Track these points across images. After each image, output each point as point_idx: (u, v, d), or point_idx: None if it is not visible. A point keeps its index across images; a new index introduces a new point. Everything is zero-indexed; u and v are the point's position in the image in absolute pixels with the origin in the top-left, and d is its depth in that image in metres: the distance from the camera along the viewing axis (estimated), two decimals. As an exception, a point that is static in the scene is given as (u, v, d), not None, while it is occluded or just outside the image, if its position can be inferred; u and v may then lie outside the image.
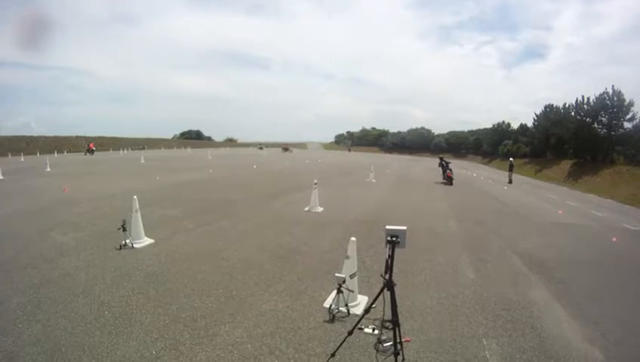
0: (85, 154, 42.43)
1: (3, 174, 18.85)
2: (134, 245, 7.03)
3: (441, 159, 25.51)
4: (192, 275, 5.82)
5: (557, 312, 5.24)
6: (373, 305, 3.61)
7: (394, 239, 3.36)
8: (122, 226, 6.88)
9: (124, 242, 6.97)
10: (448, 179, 23.11)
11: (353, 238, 4.84)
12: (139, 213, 7.29)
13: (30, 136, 52.64)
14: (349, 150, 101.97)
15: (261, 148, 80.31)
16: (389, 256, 3.41)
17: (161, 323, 4.31)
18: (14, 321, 4.24)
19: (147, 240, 7.39)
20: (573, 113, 47.23)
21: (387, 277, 3.44)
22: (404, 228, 3.41)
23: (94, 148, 45.14)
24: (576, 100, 45.95)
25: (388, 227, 3.41)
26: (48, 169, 23.02)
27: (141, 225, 7.38)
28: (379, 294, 3.52)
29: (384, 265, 3.47)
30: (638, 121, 39.17)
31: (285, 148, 75.90)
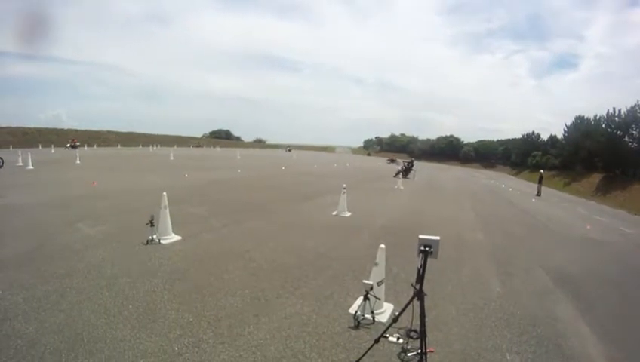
0: (66, 148, 41.82)
1: (33, 164, 19.39)
2: (161, 241, 7.06)
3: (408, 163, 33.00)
4: (218, 274, 5.81)
5: (582, 330, 5.08)
6: (397, 314, 3.56)
7: (427, 249, 3.30)
8: (150, 222, 6.93)
9: (151, 237, 7.01)
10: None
11: (382, 245, 4.76)
12: (167, 210, 7.33)
13: (61, 129, 54.10)
14: (369, 154, 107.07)
15: (289, 151, 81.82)
16: (420, 266, 3.35)
17: (185, 320, 4.30)
18: (38, 309, 4.29)
19: (174, 237, 7.40)
20: (603, 125, 46.19)
21: (418, 287, 3.37)
22: (438, 238, 3.35)
23: (78, 144, 44.60)
24: (607, 112, 45.05)
25: (421, 236, 3.35)
26: (78, 161, 23.57)
27: (169, 221, 7.41)
28: (408, 303, 3.46)
29: (412, 273, 3.41)
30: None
31: (289, 149, 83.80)
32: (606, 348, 4.64)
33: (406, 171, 31.52)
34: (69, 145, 43.09)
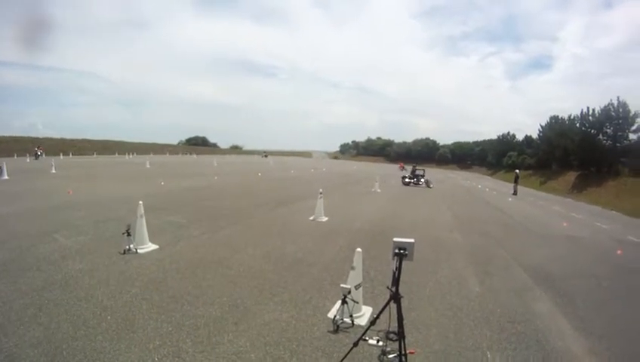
0: (36, 158, 37.35)
1: (9, 174, 18.95)
2: (138, 250, 7.01)
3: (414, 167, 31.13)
4: (196, 282, 5.79)
5: (561, 325, 5.20)
6: (375, 317, 3.60)
7: (402, 252, 3.35)
8: (127, 231, 6.86)
9: (128, 247, 6.93)
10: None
11: (359, 249, 4.82)
12: (144, 218, 7.28)
13: (36, 138, 52.99)
14: (335, 158, 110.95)
15: (265, 156, 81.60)
16: (396, 269, 3.39)
17: (164, 329, 4.28)
18: (16, 323, 4.22)
19: (151, 246, 7.36)
20: (578, 124, 47.28)
21: (394, 289, 3.41)
22: (412, 240, 3.40)
23: (40, 153, 39.76)
24: (582, 111, 46.14)
25: (396, 239, 3.39)
26: (54, 171, 23.13)
27: (145, 230, 7.37)
28: (385, 306, 3.50)
29: (389, 276, 3.45)
30: (643, 132, 39.23)
31: (265, 155, 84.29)
32: (586, 341, 4.76)
33: (417, 177, 29.25)
34: (34, 154, 38.90)
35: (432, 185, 28.16)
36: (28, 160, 33.58)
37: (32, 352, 3.68)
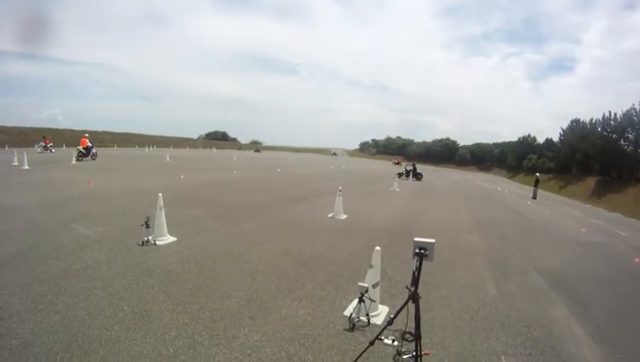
0: (41, 151, 32.99)
1: (29, 164, 19.30)
2: (157, 242, 7.04)
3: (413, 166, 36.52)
4: (213, 276, 5.79)
5: (576, 332, 5.11)
6: (392, 317, 3.56)
7: (422, 251, 3.30)
8: (145, 223, 6.89)
9: (146, 238, 6.98)
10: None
11: (377, 247, 4.77)
12: (163, 211, 7.31)
13: (56, 129, 53.89)
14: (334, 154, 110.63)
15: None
16: (415, 268, 3.35)
17: (180, 321, 4.29)
18: (33, 309, 4.27)
19: (170, 238, 7.38)
20: (599, 129, 46.38)
21: (413, 289, 3.38)
22: (433, 240, 3.35)
23: (51, 145, 35.40)
24: (603, 115, 45.20)
25: (416, 239, 3.35)
26: (74, 162, 23.48)
27: (164, 222, 7.38)
28: (403, 306, 3.45)
29: (407, 275, 3.42)
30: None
31: (257, 150, 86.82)
32: (601, 349, 4.66)
33: (412, 173, 34.07)
34: (40, 146, 34.75)
35: (421, 178, 34.28)
36: (38, 149, 33.17)
37: (47, 339, 3.71)
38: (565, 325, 5.29)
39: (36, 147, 35.06)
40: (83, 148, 26.14)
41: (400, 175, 32.45)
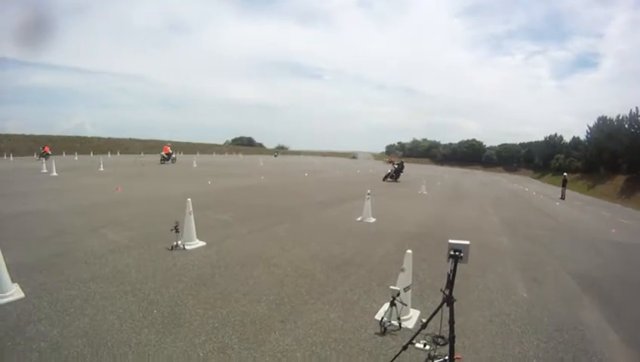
0: (39, 158, 32.02)
1: (57, 171, 19.80)
2: (186, 246, 7.07)
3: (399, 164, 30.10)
4: (243, 280, 5.77)
5: (609, 336, 4.90)
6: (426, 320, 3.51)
7: (457, 254, 3.23)
8: (175, 227, 6.95)
9: (175, 243, 7.02)
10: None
11: (409, 251, 4.68)
12: (192, 215, 7.33)
13: (84, 137, 55.18)
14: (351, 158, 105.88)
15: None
16: (450, 271, 3.28)
17: (210, 325, 4.27)
18: (62, 313, 4.31)
19: (199, 243, 7.40)
20: (627, 125, 45.06)
21: (447, 292, 3.31)
22: (467, 242, 3.27)
23: (49, 153, 34.59)
24: (630, 112, 43.90)
25: (451, 241, 3.28)
26: (102, 168, 23.98)
27: (194, 227, 7.41)
28: (438, 309, 3.39)
29: (437, 278, 3.36)
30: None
31: (275, 154, 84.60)
32: (635, 354, 4.49)
33: (397, 173, 28.97)
34: (39, 154, 34.20)
35: (399, 180, 28.41)
36: (76, 158, 34.08)
37: (76, 342, 3.73)
38: (597, 329, 5.10)
39: (35, 155, 36.72)
40: (165, 154, 33.82)
41: (385, 178, 28.60)
